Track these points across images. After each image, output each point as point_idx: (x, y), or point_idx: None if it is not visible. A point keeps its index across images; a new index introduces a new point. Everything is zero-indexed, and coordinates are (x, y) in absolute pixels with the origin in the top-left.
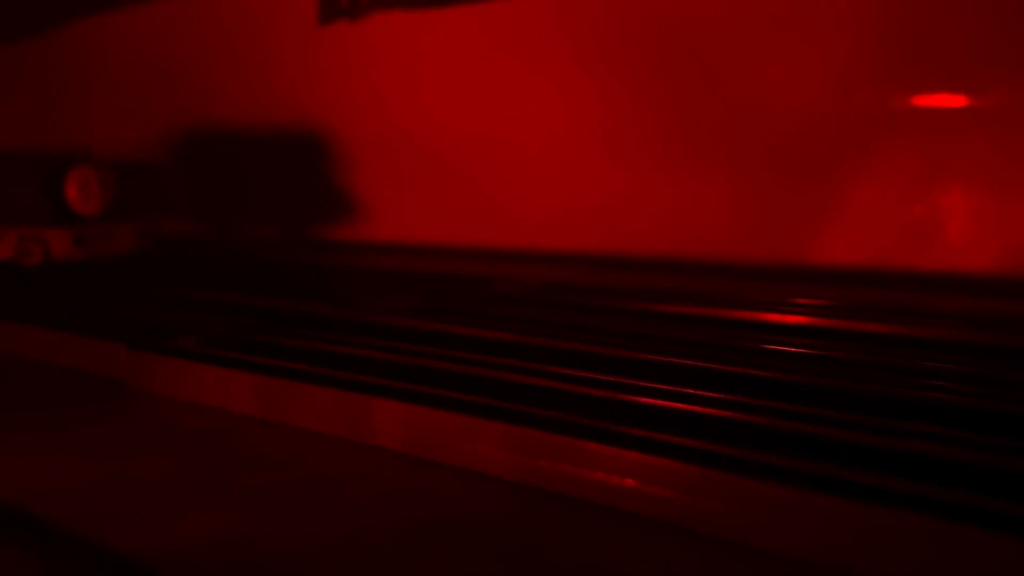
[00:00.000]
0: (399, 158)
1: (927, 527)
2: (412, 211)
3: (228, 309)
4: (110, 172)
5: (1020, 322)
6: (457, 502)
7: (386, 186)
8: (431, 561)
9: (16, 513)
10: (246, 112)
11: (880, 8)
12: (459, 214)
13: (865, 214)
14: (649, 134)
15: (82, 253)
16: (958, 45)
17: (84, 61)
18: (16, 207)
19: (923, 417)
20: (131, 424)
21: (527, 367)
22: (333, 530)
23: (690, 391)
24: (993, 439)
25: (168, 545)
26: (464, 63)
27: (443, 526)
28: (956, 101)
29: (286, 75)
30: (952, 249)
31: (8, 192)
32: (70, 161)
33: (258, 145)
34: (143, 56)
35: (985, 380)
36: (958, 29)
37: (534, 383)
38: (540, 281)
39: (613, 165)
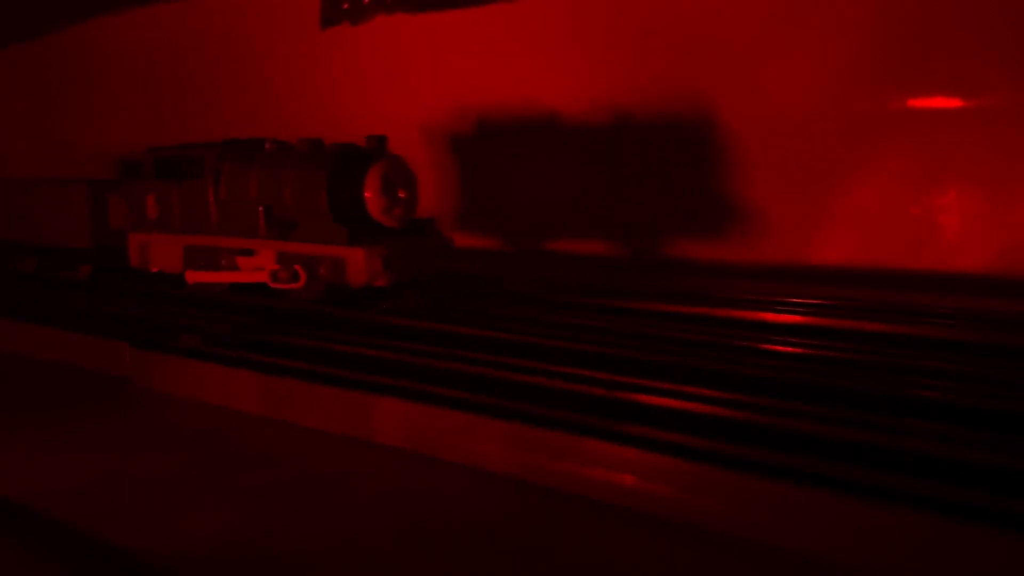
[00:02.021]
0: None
1: (925, 524)
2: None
3: None
4: (412, 171)
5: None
6: (458, 500)
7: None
8: (433, 559)
9: (18, 512)
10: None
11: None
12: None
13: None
14: None
15: (387, 278)
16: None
17: (95, 62)
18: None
19: (922, 416)
20: (132, 424)
21: None
22: (335, 528)
23: (689, 389)
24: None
25: (170, 543)
26: None
27: (445, 524)
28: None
29: None
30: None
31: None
32: (369, 156)
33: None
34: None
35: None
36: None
37: None
38: None
39: None
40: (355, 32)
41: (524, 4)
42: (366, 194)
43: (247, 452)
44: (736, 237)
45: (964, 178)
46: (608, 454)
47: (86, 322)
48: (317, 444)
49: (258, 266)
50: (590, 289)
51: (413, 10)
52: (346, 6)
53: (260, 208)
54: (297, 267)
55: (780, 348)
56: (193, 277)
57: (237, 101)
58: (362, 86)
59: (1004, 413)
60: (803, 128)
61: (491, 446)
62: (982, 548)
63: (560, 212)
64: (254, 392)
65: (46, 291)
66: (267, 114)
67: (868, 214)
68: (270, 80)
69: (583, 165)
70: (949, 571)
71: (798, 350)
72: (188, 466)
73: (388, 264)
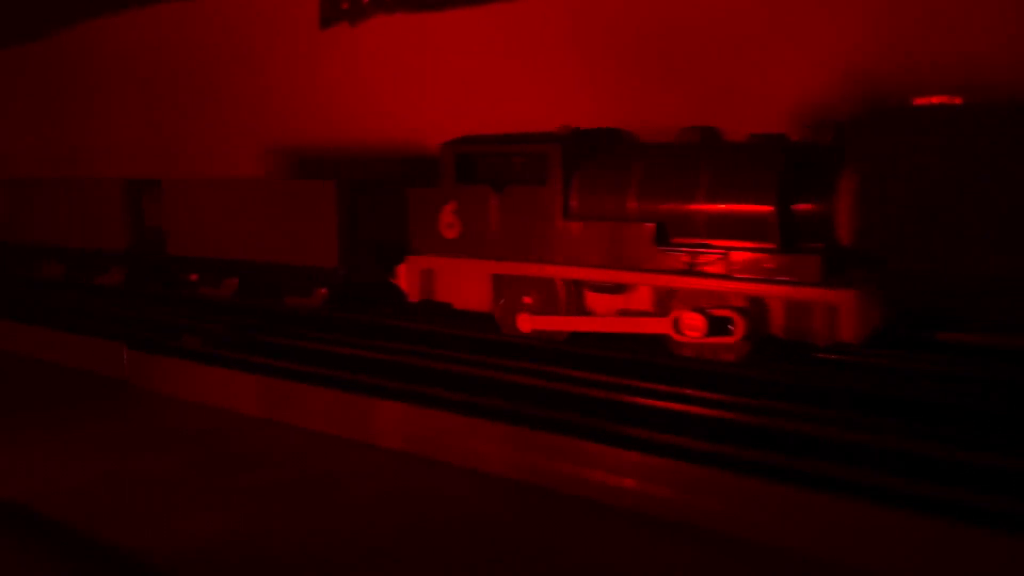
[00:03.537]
0: None
1: (924, 525)
2: None
3: None
4: None
5: None
6: (458, 501)
7: None
8: (433, 560)
9: (18, 512)
10: None
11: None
12: None
13: None
14: None
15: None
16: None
17: (95, 63)
18: None
19: (920, 418)
20: (132, 424)
21: None
22: (335, 529)
23: (688, 391)
24: None
25: (170, 544)
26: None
27: (444, 525)
28: None
29: None
30: None
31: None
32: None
33: None
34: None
35: None
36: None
37: None
38: None
39: None
40: (355, 32)
41: (524, 4)
42: (840, 208)
43: (246, 453)
44: None
45: None
46: (609, 456)
47: (87, 323)
48: (317, 445)
49: (629, 306)
50: None
51: (413, 10)
52: (345, 6)
53: (649, 225)
54: (730, 313)
55: None
56: (534, 324)
57: (237, 101)
58: (362, 86)
59: None
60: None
61: (492, 447)
62: (982, 549)
63: None
64: (254, 393)
65: (79, 297)
66: (267, 114)
67: None
68: (270, 80)
69: None
70: (949, 572)
71: None
72: (188, 466)
73: (886, 310)
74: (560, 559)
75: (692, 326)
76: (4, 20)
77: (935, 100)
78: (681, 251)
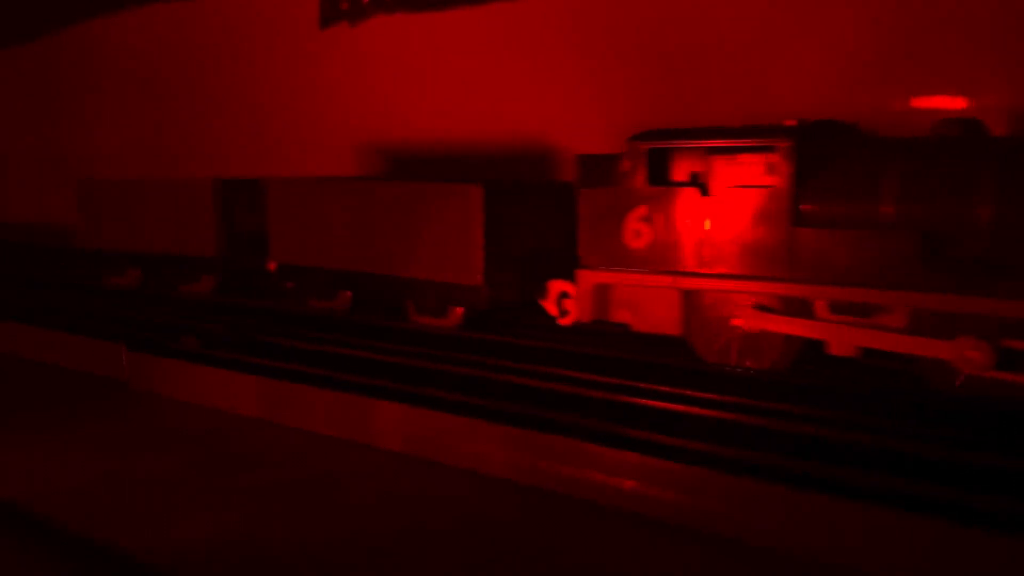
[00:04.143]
0: None
1: (925, 526)
2: None
3: None
4: None
5: None
6: (458, 502)
7: None
8: (432, 561)
9: (17, 513)
10: None
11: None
12: None
13: None
14: None
15: None
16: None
17: (94, 63)
18: None
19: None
20: (132, 424)
21: None
22: (334, 530)
23: (689, 392)
24: None
25: (169, 545)
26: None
27: (444, 526)
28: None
29: None
30: None
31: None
32: None
33: None
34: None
35: None
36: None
37: None
38: None
39: None
40: (355, 32)
41: (524, 4)
42: None
43: (246, 453)
44: None
45: None
46: (609, 457)
47: (86, 324)
48: (316, 446)
49: (885, 325)
50: None
51: (413, 10)
52: (345, 6)
53: (913, 235)
54: None
55: None
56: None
57: (237, 101)
58: (362, 86)
59: None
60: None
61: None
62: (982, 549)
63: None
64: (254, 394)
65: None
66: (267, 114)
67: None
68: (270, 80)
69: None
70: (949, 572)
71: None
72: (188, 467)
73: None
74: (560, 560)
75: (974, 359)
76: (3, 20)
77: None
78: (959, 265)
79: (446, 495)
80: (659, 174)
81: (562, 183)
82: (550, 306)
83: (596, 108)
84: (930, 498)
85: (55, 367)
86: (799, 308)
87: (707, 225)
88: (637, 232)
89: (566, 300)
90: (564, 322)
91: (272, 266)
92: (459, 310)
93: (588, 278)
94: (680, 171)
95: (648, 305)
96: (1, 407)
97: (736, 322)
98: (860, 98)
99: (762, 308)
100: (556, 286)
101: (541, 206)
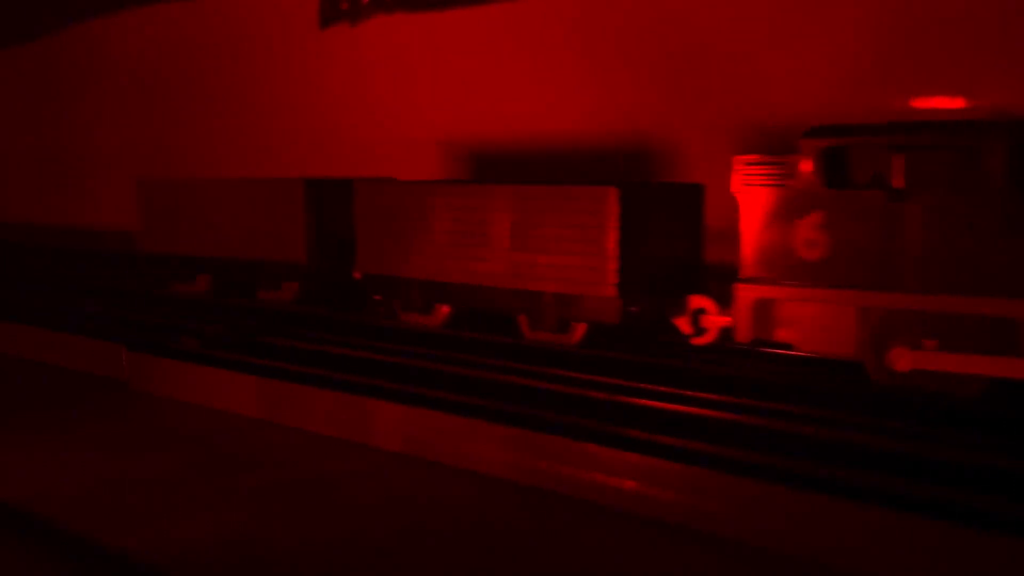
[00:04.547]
0: None
1: (925, 527)
2: None
3: None
4: None
5: None
6: (458, 503)
7: None
8: (432, 561)
9: (18, 513)
10: None
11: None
12: None
13: None
14: None
15: None
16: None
17: (94, 62)
18: None
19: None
20: (132, 425)
21: None
22: (334, 530)
23: (689, 393)
24: None
25: (169, 545)
26: None
27: (444, 526)
28: None
29: None
30: None
31: None
32: None
33: None
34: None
35: None
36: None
37: None
38: None
39: None
40: (355, 32)
41: (525, 4)
42: None
43: (246, 454)
44: None
45: None
46: (609, 458)
47: (86, 324)
48: (316, 446)
49: None
50: None
51: (413, 10)
52: (345, 6)
53: None
54: None
55: None
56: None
57: (237, 101)
58: (362, 86)
59: None
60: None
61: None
62: (982, 549)
63: None
64: (253, 395)
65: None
66: (267, 114)
67: None
68: (270, 80)
69: None
70: (949, 572)
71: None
72: (188, 467)
73: None
74: (560, 560)
75: None
76: (2, 20)
77: None
78: None
79: (446, 495)
80: (837, 176)
81: (691, 186)
82: (684, 323)
83: (597, 108)
84: (930, 498)
85: (55, 367)
86: (1006, 331)
87: (895, 234)
88: (811, 241)
89: (704, 317)
90: (699, 341)
91: (358, 275)
92: (581, 326)
93: (749, 293)
94: (861, 172)
95: (820, 324)
96: (1, 407)
97: (927, 342)
98: (860, 98)
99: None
100: (695, 301)
101: (673, 211)
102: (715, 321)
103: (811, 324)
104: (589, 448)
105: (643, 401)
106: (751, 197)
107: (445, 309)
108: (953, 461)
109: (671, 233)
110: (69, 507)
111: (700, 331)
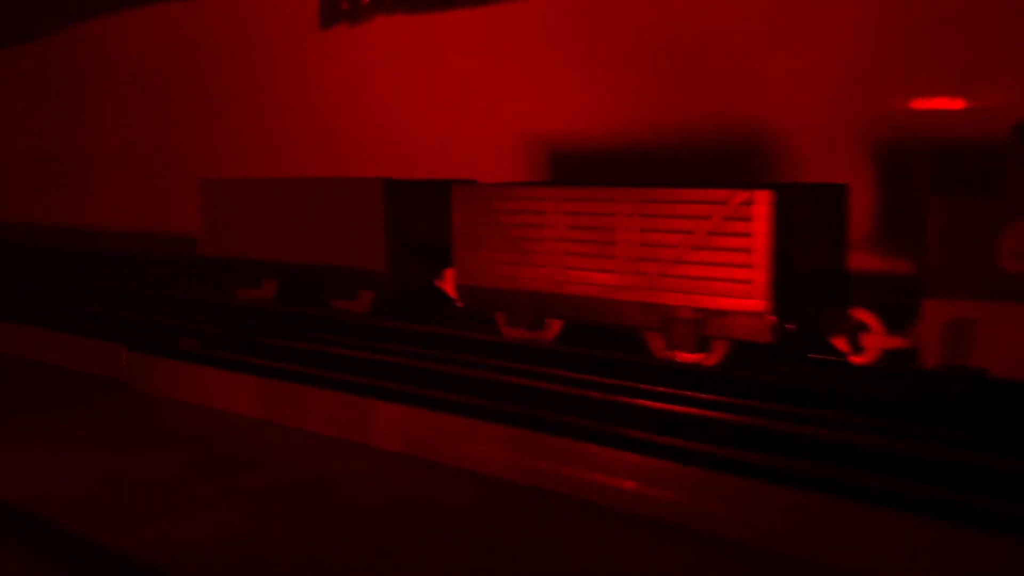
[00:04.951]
0: None
1: (925, 527)
2: None
3: None
4: None
5: None
6: (457, 503)
7: None
8: (432, 562)
9: (18, 513)
10: None
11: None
12: None
13: None
14: None
15: None
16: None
17: (94, 62)
18: None
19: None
20: (132, 425)
21: None
22: (334, 530)
23: (689, 393)
24: None
25: (168, 545)
26: None
27: (444, 527)
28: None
29: None
30: None
31: None
32: None
33: None
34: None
35: None
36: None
37: None
38: None
39: None
40: (355, 32)
41: (525, 4)
42: None
43: (246, 454)
44: None
45: None
46: (609, 458)
47: (86, 325)
48: (316, 446)
49: None
50: None
51: (413, 10)
52: (345, 6)
53: None
54: None
55: None
56: None
57: (237, 101)
58: (362, 86)
59: None
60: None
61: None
62: (982, 549)
63: None
64: (253, 395)
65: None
66: (267, 114)
67: None
68: (270, 80)
69: None
70: (949, 572)
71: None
72: (188, 467)
73: None
74: (559, 560)
75: None
76: (2, 20)
77: None
78: None
79: (446, 495)
80: None
81: (835, 186)
82: (840, 341)
83: (597, 109)
84: (930, 498)
85: (55, 367)
86: None
87: None
88: (1018, 253)
89: (864, 335)
90: (858, 360)
91: (448, 287)
92: (723, 345)
93: (941, 311)
94: None
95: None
96: (1, 407)
97: None
98: (861, 98)
99: None
100: (856, 315)
101: (821, 215)
102: (879, 341)
103: (1018, 347)
104: (589, 448)
105: (643, 401)
106: (943, 202)
107: (558, 324)
108: (953, 461)
109: (820, 240)
110: (69, 507)
111: (858, 350)
